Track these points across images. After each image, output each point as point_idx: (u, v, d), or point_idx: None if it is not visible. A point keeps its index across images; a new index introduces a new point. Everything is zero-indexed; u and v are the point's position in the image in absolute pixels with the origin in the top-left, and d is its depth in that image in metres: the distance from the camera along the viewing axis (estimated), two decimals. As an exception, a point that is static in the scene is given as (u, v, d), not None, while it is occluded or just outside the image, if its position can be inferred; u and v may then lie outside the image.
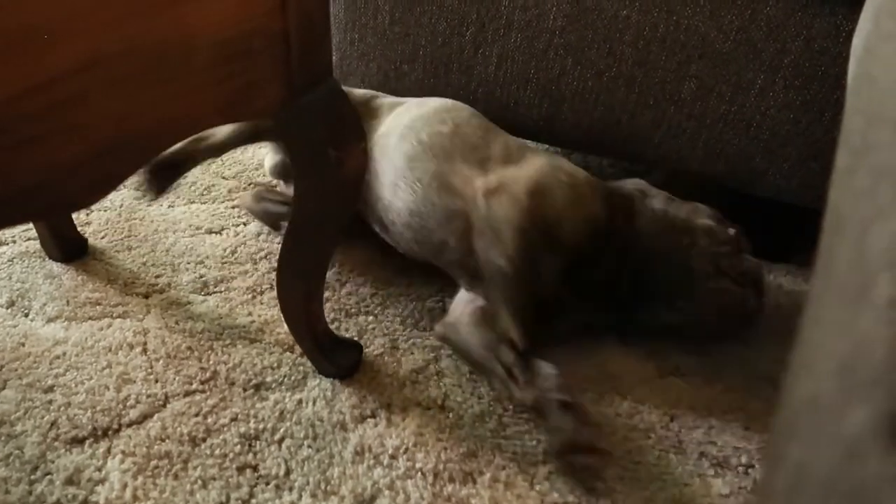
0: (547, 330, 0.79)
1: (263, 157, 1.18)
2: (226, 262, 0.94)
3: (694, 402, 0.78)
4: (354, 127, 0.67)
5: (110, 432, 0.69)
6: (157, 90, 0.51)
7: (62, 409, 0.71)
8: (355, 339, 0.82)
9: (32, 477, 0.65)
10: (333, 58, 1.14)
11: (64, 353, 0.78)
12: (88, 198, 0.53)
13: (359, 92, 1.02)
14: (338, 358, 0.77)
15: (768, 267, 0.95)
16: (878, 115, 0.22)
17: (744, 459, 0.71)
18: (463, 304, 0.82)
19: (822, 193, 0.88)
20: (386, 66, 1.12)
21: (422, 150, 0.84)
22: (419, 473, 0.67)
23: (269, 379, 0.77)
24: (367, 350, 0.81)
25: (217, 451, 0.68)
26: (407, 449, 0.70)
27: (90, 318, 0.83)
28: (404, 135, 0.87)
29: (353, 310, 0.87)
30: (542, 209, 0.77)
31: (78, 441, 0.68)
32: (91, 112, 0.48)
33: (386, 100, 1.00)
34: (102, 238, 0.97)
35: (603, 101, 0.99)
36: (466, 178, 0.81)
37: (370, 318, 0.86)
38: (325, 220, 0.69)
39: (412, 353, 0.81)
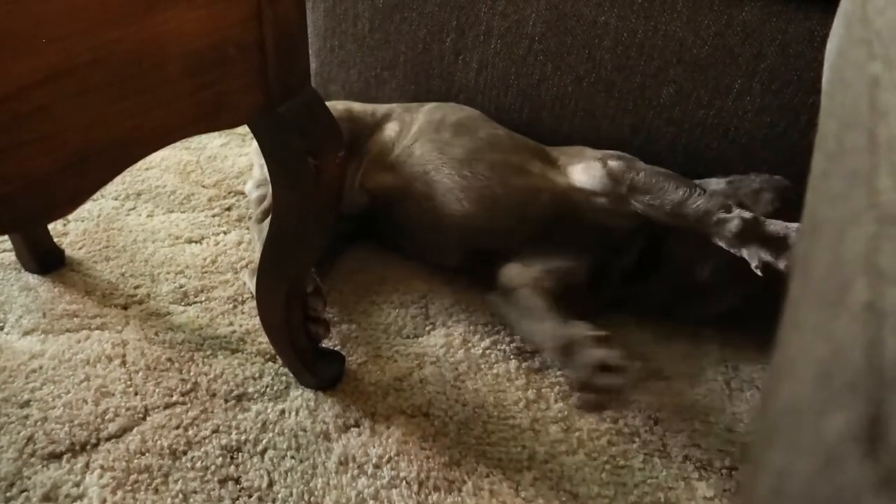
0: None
1: (243, 165, 1.17)
2: (206, 272, 0.93)
3: (678, 405, 0.78)
4: (333, 135, 0.66)
5: (88, 447, 0.68)
6: (129, 100, 0.51)
7: (39, 423, 0.70)
8: (338, 348, 0.81)
9: (8, 494, 0.63)
10: (313, 65, 1.14)
11: (41, 367, 0.76)
12: (60, 209, 0.52)
13: (358, 106, 1.02)
14: (320, 369, 0.76)
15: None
16: (852, 120, 0.22)
17: (727, 462, 0.72)
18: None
19: (800, 196, 0.89)
20: (366, 73, 1.12)
21: (485, 144, 0.90)
22: (404, 482, 0.67)
23: (250, 389, 0.76)
24: (350, 358, 0.80)
25: (198, 464, 0.67)
26: (391, 458, 0.69)
27: (67, 331, 0.82)
28: (458, 131, 0.92)
29: (335, 318, 0.86)
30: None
31: (55, 456, 0.67)
32: (60, 123, 0.48)
33: (391, 107, 1.02)
34: (80, 249, 0.96)
35: (583, 106, 0.99)
36: (542, 167, 0.89)
37: (353, 326, 0.86)
38: (304, 230, 0.68)
39: (396, 361, 0.81)
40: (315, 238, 0.69)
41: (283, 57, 0.60)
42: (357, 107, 1.01)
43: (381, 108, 1.02)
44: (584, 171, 0.86)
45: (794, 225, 0.73)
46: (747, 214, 0.74)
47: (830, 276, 0.16)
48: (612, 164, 0.84)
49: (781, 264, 0.71)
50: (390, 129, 0.97)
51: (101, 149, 0.51)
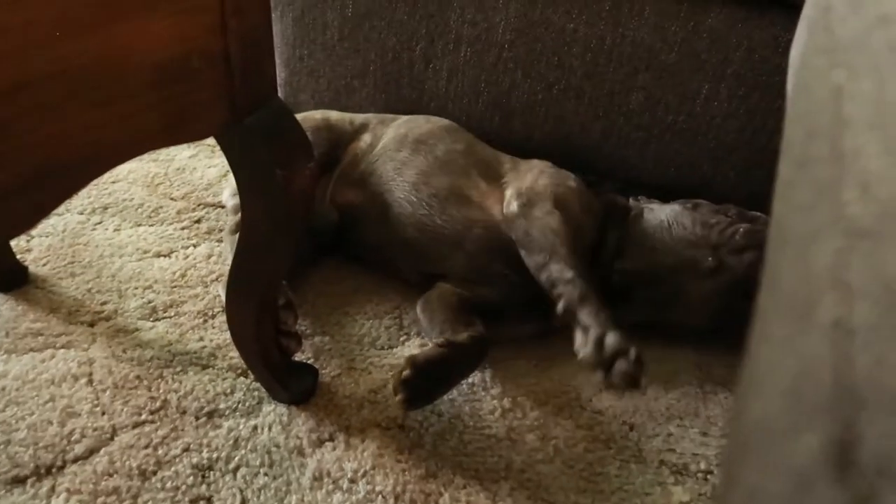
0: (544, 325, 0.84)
1: (213, 177, 1.15)
2: (175, 286, 0.91)
3: (652, 410, 0.78)
4: (302, 146, 0.65)
5: (54, 469, 0.66)
6: (90, 113, 0.49)
7: (2, 447, 0.68)
8: (311, 360, 0.80)
9: (-30, 521, 0.61)
10: (282, 74, 1.13)
11: (3, 388, 0.74)
12: (20, 226, 0.50)
13: (335, 114, 1.02)
14: (292, 383, 0.75)
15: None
16: (816, 129, 0.22)
17: (703, 465, 0.72)
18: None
19: (769, 201, 0.90)
20: (336, 82, 1.11)
21: (437, 165, 0.90)
22: (379, 497, 0.66)
23: (222, 406, 0.74)
24: (323, 371, 0.79)
25: (169, 484, 0.65)
26: (366, 472, 0.68)
27: (31, 350, 0.79)
28: (417, 149, 0.92)
29: (308, 331, 0.85)
30: (569, 218, 0.83)
31: (19, 480, 0.65)
32: (18, 138, 0.46)
33: (367, 118, 1.02)
34: (44, 265, 0.93)
35: (553, 113, 1.00)
36: (484, 192, 0.88)
37: (326, 338, 0.85)
38: (274, 242, 0.67)
39: (370, 373, 0.80)
40: (285, 250, 0.68)
41: (249, 68, 0.59)
42: (335, 115, 1.01)
43: (359, 118, 1.01)
44: (505, 206, 0.86)
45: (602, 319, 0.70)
46: (575, 294, 0.73)
47: (799, 289, 0.16)
48: (514, 206, 0.85)
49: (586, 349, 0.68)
50: (362, 142, 0.96)
51: (62, 163, 0.50)
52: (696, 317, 0.83)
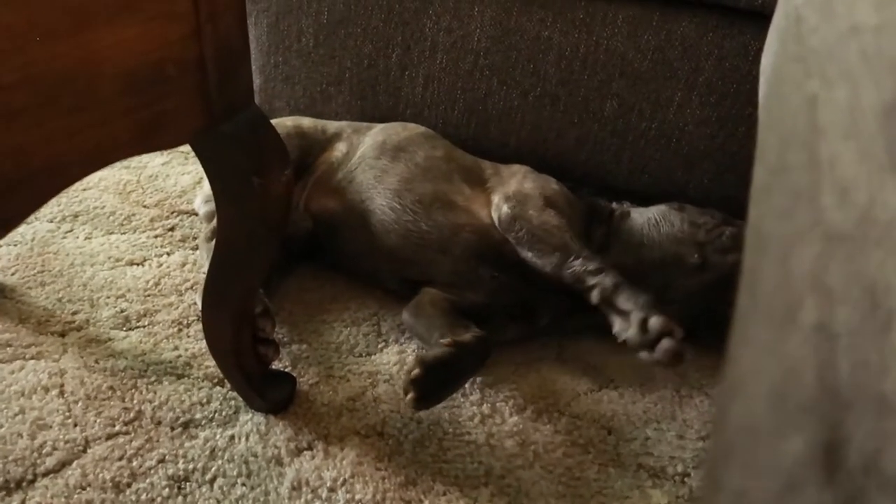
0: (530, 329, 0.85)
1: (186, 184, 1.14)
2: (149, 295, 0.90)
3: (629, 414, 0.79)
4: (278, 154, 0.65)
5: (24, 483, 0.65)
6: (60, 121, 0.48)
7: (-31, 461, 0.66)
8: (289, 368, 0.80)
9: (-64, 539, 0.60)
10: (257, 81, 1.12)
11: (-29, 401, 0.72)
12: (-11, 236, 0.49)
13: (307, 121, 1.01)
14: (269, 392, 0.74)
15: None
16: (792, 136, 0.22)
17: (679, 468, 0.73)
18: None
19: (741, 206, 0.92)
20: (312, 89, 1.11)
21: (419, 172, 0.90)
22: (359, 505, 0.66)
23: (198, 416, 0.73)
24: (301, 379, 0.78)
25: (143, 497, 0.64)
26: (346, 481, 0.68)
27: (0, 361, 0.78)
28: (396, 156, 0.92)
29: (285, 338, 0.84)
30: (560, 215, 0.85)
31: (-12, 496, 0.63)
32: (-17, 147, 0.45)
33: (341, 126, 1.01)
34: (13, 274, 0.91)
35: (529, 119, 1.01)
36: (469, 197, 0.88)
37: (304, 346, 0.84)
38: (250, 250, 0.67)
39: (348, 381, 0.79)
40: (261, 258, 0.68)
41: (225, 74, 0.58)
42: (307, 123, 1.00)
43: (332, 126, 1.01)
44: (495, 210, 0.87)
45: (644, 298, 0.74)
46: (609, 283, 0.75)
47: (779, 293, 0.16)
48: (505, 209, 0.86)
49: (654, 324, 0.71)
50: (338, 151, 0.96)
51: (31, 172, 0.48)
52: (678, 314, 0.84)
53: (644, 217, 0.87)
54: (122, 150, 0.55)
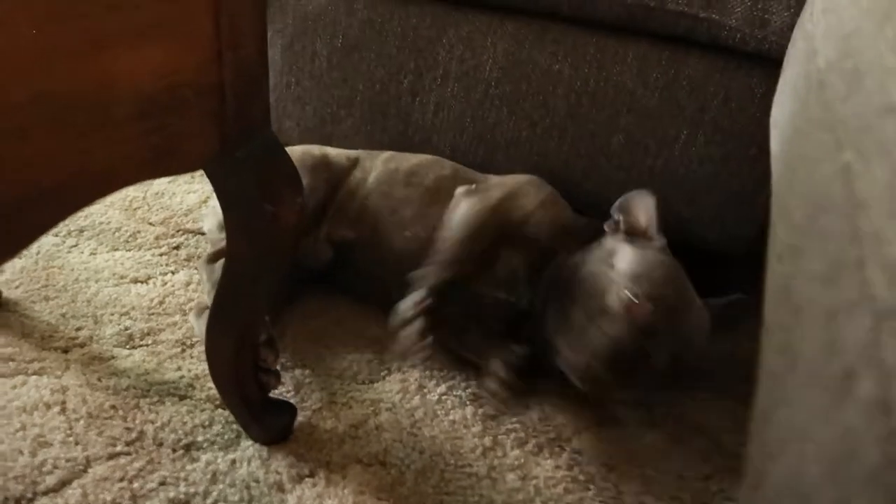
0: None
1: (192, 202, 1.15)
2: (153, 314, 0.90)
3: (630, 452, 0.79)
4: (291, 181, 0.65)
5: (24, 502, 0.64)
6: (74, 142, 0.47)
7: (-31, 478, 0.66)
8: (291, 394, 0.80)
9: (-67, 557, 0.59)
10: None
11: (-29, 416, 0.72)
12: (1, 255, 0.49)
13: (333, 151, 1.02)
14: (269, 421, 0.73)
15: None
16: (825, 202, 0.23)
17: (680, 506, 0.73)
18: None
19: (741, 242, 0.92)
20: (322, 111, 1.12)
21: (428, 196, 0.92)
22: (361, 534, 0.65)
23: (200, 438, 0.73)
24: (303, 405, 0.78)
25: (144, 520, 0.64)
26: (347, 509, 0.67)
27: (2, 376, 0.77)
28: (409, 182, 0.94)
29: (288, 363, 0.84)
30: (509, 209, 0.86)
31: (-13, 514, 0.63)
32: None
33: (358, 153, 1.02)
34: (16, 288, 0.91)
35: (536, 150, 1.02)
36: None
37: (306, 371, 0.84)
38: (259, 276, 0.66)
39: (351, 408, 0.79)
40: (268, 285, 0.68)
41: (243, 101, 0.59)
42: (333, 152, 1.00)
43: (353, 154, 1.01)
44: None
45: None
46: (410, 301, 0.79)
47: (829, 361, 0.17)
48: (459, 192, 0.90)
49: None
50: (353, 178, 0.96)
51: (42, 192, 0.48)
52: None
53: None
54: (134, 174, 0.55)
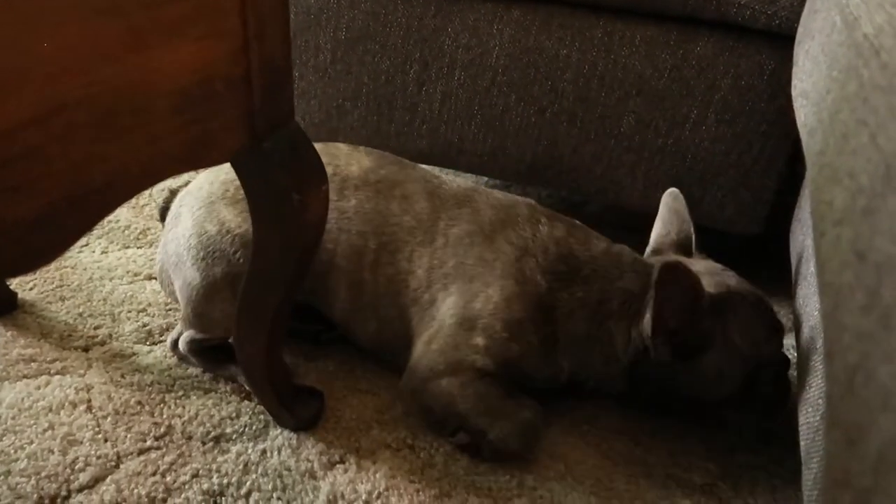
0: None
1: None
2: (170, 309, 0.90)
3: (655, 427, 0.80)
4: (317, 170, 0.65)
5: (59, 500, 0.64)
6: (117, 139, 0.49)
7: (2, 478, 0.65)
8: (316, 385, 0.80)
9: (-27, 556, 0.59)
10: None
11: (-2, 416, 0.72)
12: (42, 258, 0.49)
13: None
14: (299, 409, 0.74)
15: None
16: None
17: (707, 479, 0.73)
18: None
19: (753, 220, 0.93)
20: (327, 104, 1.11)
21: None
22: (396, 518, 0.66)
23: (228, 430, 0.73)
24: (329, 393, 0.79)
25: (180, 512, 0.64)
26: (380, 493, 0.68)
27: (25, 377, 0.77)
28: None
29: (311, 353, 0.85)
30: (463, 359, 0.76)
31: (23, 512, 0.63)
32: (48, 165, 0.45)
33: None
34: (31, 289, 0.91)
35: (546, 135, 1.02)
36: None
37: (329, 360, 0.84)
38: (287, 266, 0.67)
39: (376, 394, 0.80)
40: (297, 275, 0.68)
41: (269, 91, 0.59)
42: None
43: None
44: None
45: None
46: None
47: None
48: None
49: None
50: None
51: (87, 191, 0.49)
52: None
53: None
54: (172, 168, 0.55)
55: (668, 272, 0.68)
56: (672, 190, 0.86)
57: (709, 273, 0.76)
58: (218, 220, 0.78)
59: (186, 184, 0.89)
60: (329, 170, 0.71)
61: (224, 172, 0.81)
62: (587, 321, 0.74)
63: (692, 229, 0.83)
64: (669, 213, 0.85)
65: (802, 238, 0.74)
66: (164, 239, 0.82)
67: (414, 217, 0.79)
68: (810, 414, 0.52)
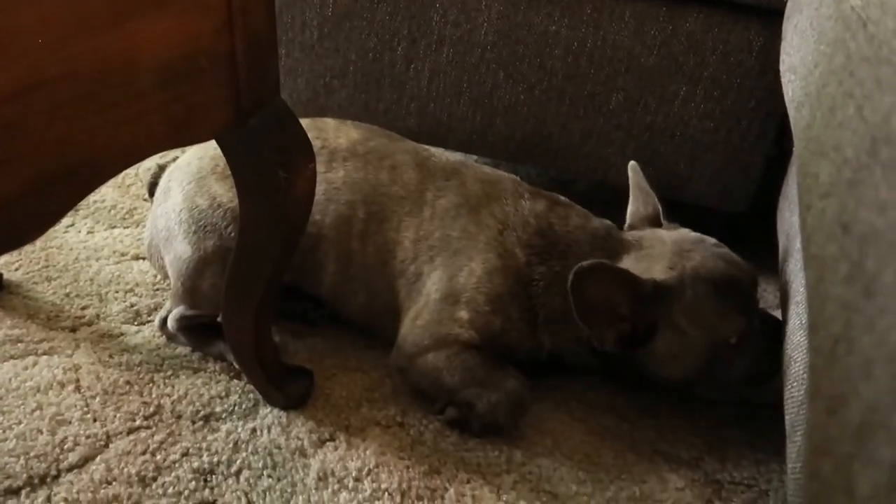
0: None
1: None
2: (158, 289, 0.90)
3: (642, 402, 0.81)
4: (303, 147, 0.65)
5: (49, 479, 0.64)
6: (100, 115, 0.48)
7: (-10, 458, 0.66)
8: (305, 363, 0.80)
9: (-38, 536, 0.59)
10: (260, 73, 1.11)
11: (-14, 397, 0.71)
12: (31, 232, 0.49)
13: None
14: (288, 387, 0.74)
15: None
16: (886, 134, 0.23)
17: (694, 453, 0.74)
18: None
19: (741, 197, 0.93)
20: (315, 82, 1.10)
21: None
22: (386, 494, 0.66)
23: (218, 409, 0.73)
24: (318, 371, 0.79)
25: (171, 490, 0.64)
26: (370, 470, 0.68)
27: (12, 357, 0.77)
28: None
29: (300, 331, 0.85)
30: (448, 335, 0.77)
31: (12, 492, 0.63)
32: (30, 140, 0.45)
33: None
34: (16, 270, 0.90)
35: (535, 113, 1.02)
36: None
37: (318, 338, 0.84)
38: (274, 244, 0.67)
39: (365, 372, 0.80)
40: (285, 252, 0.68)
41: (254, 67, 0.58)
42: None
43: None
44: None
45: None
46: None
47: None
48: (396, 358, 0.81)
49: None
50: None
51: (72, 166, 0.48)
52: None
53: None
54: (156, 145, 0.55)
55: (577, 278, 0.67)
56: (632, 164, 0.86)
57: (673, 252, 0.74)
58: (209, 195, 0.77)
59: (175, 159, 0.88)
60: (317, 143, 0.71)
61: (213, 148, 0.80)
62: (563, 297, 0.73)
63: (657, 201, 0.84)
64: (634, 188, 0.85)
65: (789, 215, 0.75)
66: (152, 214, 0.82)
67: (402, 187, 0.79)
68: (795, 388, 0.52)
